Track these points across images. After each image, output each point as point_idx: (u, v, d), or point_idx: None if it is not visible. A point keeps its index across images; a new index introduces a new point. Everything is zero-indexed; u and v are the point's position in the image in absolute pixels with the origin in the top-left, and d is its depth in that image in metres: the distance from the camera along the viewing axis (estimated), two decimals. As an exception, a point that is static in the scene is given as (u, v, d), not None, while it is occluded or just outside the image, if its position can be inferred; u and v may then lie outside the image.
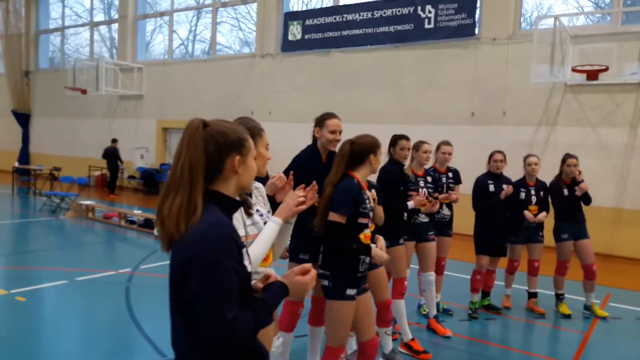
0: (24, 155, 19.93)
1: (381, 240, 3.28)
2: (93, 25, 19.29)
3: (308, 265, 1.80)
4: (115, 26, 18.62)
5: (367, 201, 3.05)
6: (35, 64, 20.82)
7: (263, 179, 2.69)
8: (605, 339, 5.21)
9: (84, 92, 16.50)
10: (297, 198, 2.33)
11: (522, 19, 10.74)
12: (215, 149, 1.60)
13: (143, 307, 5.44)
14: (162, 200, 1.59)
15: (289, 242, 3.00)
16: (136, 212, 10.76)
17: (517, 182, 5.64)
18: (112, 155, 15.34)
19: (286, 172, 2.79)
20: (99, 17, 19.52)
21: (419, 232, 4.77)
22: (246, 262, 1.62)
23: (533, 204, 5.57)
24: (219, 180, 1.63)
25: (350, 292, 2.98)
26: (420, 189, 4.72)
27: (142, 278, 6.57)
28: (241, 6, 15.51)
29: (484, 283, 5.56)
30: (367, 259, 3.06)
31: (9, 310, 5.25)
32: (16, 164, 17.71)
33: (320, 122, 3.63)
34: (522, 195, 5.57)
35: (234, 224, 1.69)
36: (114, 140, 15.71)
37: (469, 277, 5.61)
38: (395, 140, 4.44)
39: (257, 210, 2.46)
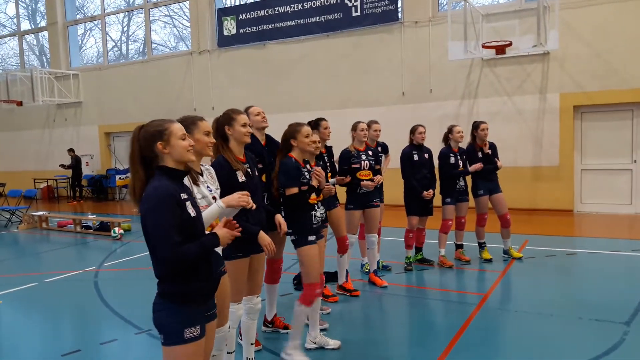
0: (-39, 174, 19.09)
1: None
2: (21, 34, 18.77)
3: (230, 218, 2.45)
4: (43, 33, 18.22)
5: (307, 174, 3.77)
6: (-39, 78, 19.97)
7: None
8: (517, 274, 6.12)
9: (19, 104, 16.14)
10: (245, 197, 2.95)
11: (439, 1, 11.60)
12: (145, 142, 2.32)
13: (113, 295, 5.86)
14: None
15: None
16: (90, 217, 10.93)
17: (444, 150, 6.33)
18: (75, 164, 15.66)
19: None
20: (24, 24, 18.98)
21: (365, 200, 5.43)
22: (189, 210, 2.29)
23: (460, 167, 6.32)
24: (161, 159, 2.33)
25: (311, 238, 3.76)
26: (362, 162, 5.39)
27: (108, 273, 6.93)
28: (173, 4, 15.62)
29: (415, 240, 6.34)
30: (317, 214, 3.81)
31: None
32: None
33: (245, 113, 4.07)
34: (452, 159, 6.28)
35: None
36: (71, 150, 15.90)
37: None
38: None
39: (207, 187, 3.01)
